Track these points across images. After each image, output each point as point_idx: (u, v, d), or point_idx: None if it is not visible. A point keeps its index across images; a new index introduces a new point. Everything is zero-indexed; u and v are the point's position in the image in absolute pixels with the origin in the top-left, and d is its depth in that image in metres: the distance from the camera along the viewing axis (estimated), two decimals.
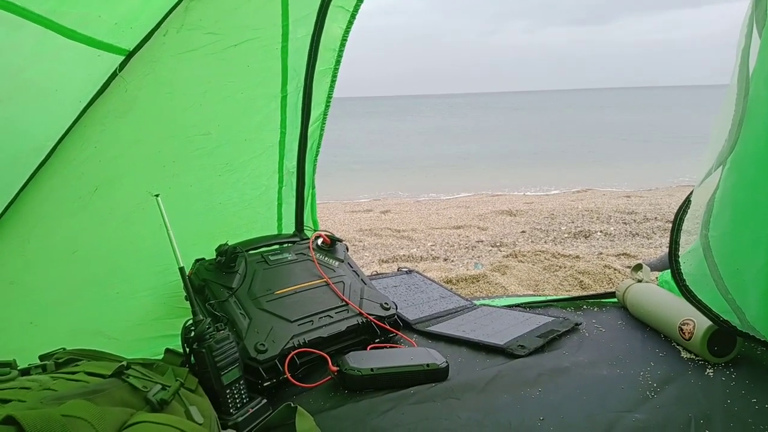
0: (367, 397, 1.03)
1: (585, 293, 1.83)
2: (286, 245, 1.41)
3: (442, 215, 4.60)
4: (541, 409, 0.98)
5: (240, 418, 0.96)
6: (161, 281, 1.19)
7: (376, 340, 1.29)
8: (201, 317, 0.99)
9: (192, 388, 0.94)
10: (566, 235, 3.55)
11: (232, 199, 1.31)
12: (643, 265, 1.56)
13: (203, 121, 1.15)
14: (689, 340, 1.20)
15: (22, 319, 0.97)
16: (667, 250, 1.28)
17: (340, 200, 6.15)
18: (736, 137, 1.00)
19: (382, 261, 3.05)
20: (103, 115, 0.98)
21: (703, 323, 1.18)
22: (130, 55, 1.01)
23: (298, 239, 1.45)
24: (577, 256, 2.63)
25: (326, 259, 1.41)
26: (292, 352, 1.13)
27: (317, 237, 1.44)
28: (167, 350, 1.01)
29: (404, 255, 3.10)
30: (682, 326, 1.23)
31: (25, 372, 0.72)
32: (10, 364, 0.72)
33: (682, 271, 1.25)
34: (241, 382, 1.01)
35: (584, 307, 1.59)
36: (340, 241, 1.47)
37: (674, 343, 1.27)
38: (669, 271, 1.45)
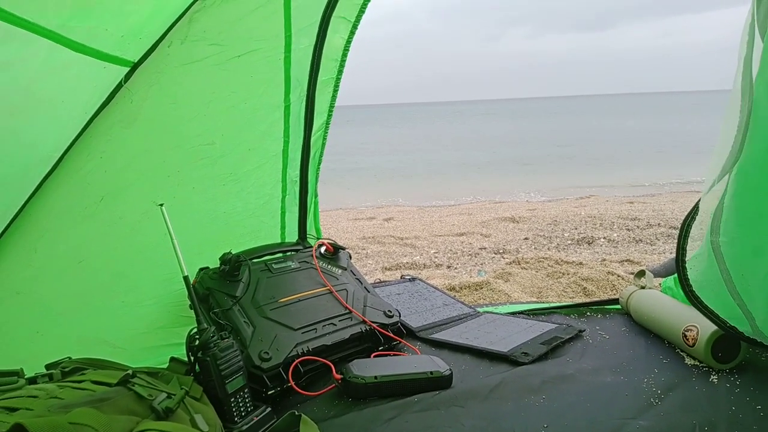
0: (371, 405, 1.04)
1: (588, 300, 1.83)
2: (289, 253, 1.41)
3: (444, 222, 4.60)
4: (545, 417, 0.98)
5: (244, 427, 0.97)
6: (166, 290, 1.20)
7: (380, 348, 1.30)
8: (205, 326, 1.00)
9: (197, 397, 0.95)
10: (569, 242, 3.55)
11: (236, 209, 1.32)
12: (647, 271, 1.56)
13: (207, 131, 1.16)
14: (693, 346, 1.20)
15: (29, 328, 0.98)
16: (670, 256, 1.29)
17: (343, 208, 6.16)
18: (741, 144, 1.01)
19: (386, 269, 3.05)
20: (109, 126, 0.99)
21: (706, 329, 1.18)
22: (135, 67, 1.03)
23: (301, 247, 1.45)
24: (581, 263, 2.62)
25: (329, 267, 1.42)
26: (296, 361, 1.13)
27: (320, 245, 1.45)
28: (172, 359, 1.01)
29: (407, 262, 3.10)
30: (686, 332, 1.23)
31: (32, 381, 0.72)
32: (17, 373, 0.73)
33: (689, 277, 1.25)
34: (246, 391, 1.01)
35: (587, 313, 1.59)
36: (343, 249, 1.47)
37: (678, 350, 1.27)
38: (672, 277, 1.45)
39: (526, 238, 3.71)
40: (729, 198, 1.06)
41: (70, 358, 0.93)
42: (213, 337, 0.99)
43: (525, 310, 1.64)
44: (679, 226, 1.26)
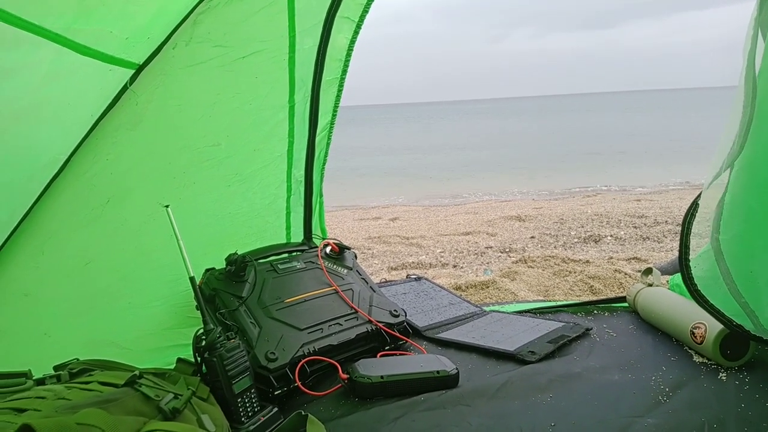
0: (377, 405, 1.04)
1: (595, 298, 1.82)
2: (294, 254, 1.41)
3: (450, 222, 4.59)
4: (552, 415, 0.98)
5: (251, 427, 0.97)
6: (172, 291, 1.20)
7: (386, 348, 1.30)
8: (212, 326, 1.00)
9: (204, 397, 0.95)
10: (576, 240, 3.53)
11: (241, 209, 1.33)
12: (654, 269, 1.55)
13: (212, 132, 1.16)
14: (701, 344, 1.19)
15: (37, 330, 0.98)
16: (677, 253, 1.28)
17: (349, 208, 6.16)
18: (745, 139, 1.00)
19: (392, 268, 3.05)
20: (114, 129, 1.00)
21: (715, 327, 1.17)
22: (140, 69, 1.03)
23: (306, 248, 1.46)
24: (587, 261, 2.61)
25: (335, 267, 1.42)
26: (302, 361, 1.13)
27: (326, 245, 1.45)
28: (179, 360, 1.02)
29: (413, 262, 3.10)
30: (694, 330, 1.22)
31: (40, 382, 0.73)
32: (26, 375, 0.73)
33: (693, 275, 1.24)
34: (252, 391, 1.02)
35: (595, 312, 1.58)
36: (349, 249, 1.47)
37: (686, 347, 1.26)
38: (680, 274, 1.44)
39: (532, 237, 3.70)
40: (732, 195, 1.06)
41: (77, 359, 0.94)
42: (219, 337, 1.00)
43: (532, 309, 1.63)
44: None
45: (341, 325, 1.25)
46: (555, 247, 3.36)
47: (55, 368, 0.92)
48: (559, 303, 1.68)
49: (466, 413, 1.00)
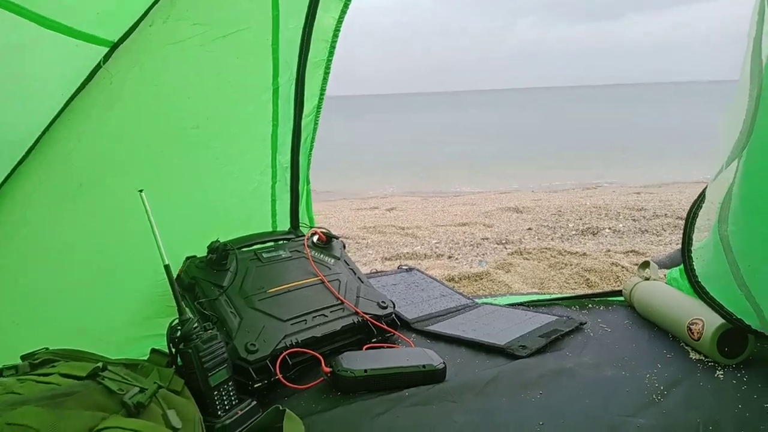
0: (360, 399, 1.00)
1: (591, 291, 1.78)
2: (280, 242, 1.37)
3: (447, 212, 4.54)
4: (541, 413, 0.94)
5: (228, 421, 0.93)
6: (151, 280, 1.16)
7: (373, 340, 1.26)
8: (188, 316, 0.96)
9: (178, 390, 0.91)
10: (573, 232, 3.49)
11: (224, 195, 1.28)
12: (651, 262, 1.51)
13: (192, 114, 1.11)
14: (698, 340, 1.15)
15: (6, 319, 0.94)
16: (676, 247, 1.24)
17: (345, 198, 6.12)
18: (750, 129, 0.95)
19: (386, 258, 3.01)
20: (88, 108, 0.94)
21: (712, 322, 1.13)
22: (114, 47, 0.98)
23: (293, 236, 1.41)
24: (584, 254, 2.57)
25: (322, 256, 1.38)
26: (284, 353, 1.09)
27: (313, 234, 1.41)
28: (153, 350, 0.97)
29: (408, 253, 3.06)
30: (691, 326, 1.18)
31: None
32: None
33: (695, 267, 1.20)
34: (230, 384, 0.98)
35: (590, 305, 1.54)
36: (337, 238, 1.43)
37: (683, 344, 1.22)
38: (678, 268, 1.40)
39: (529, 229, 3.66)
40: (737, 186, 1.01)
41: (46, 348, 0.90)
42: (195, 328, 0.95)
43: (525, 302, 1.59)
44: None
45: (326, 316, 1.21)
46: (552, 239, 3.32)
47: (23, 358, 0.88)
48: (553, 296, 1.64)
49: (452, 410, 0.96)
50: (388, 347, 1.23)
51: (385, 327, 1.26)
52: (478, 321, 1.41)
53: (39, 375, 0.67)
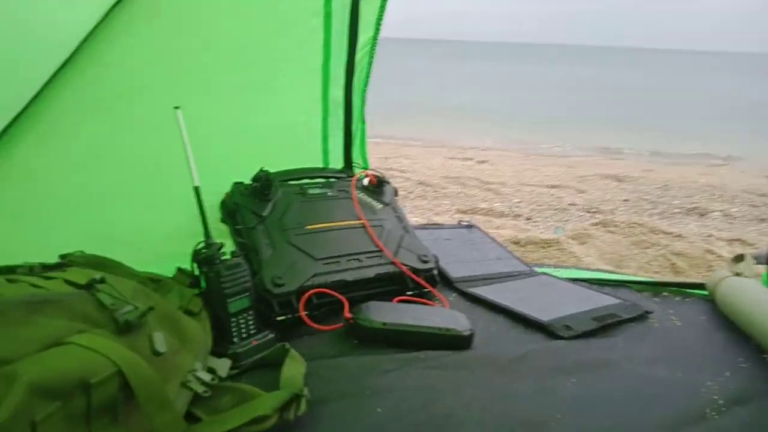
0: (373, 353, 0.95)
1: (673, 280, 1.58)
2: (329, 180, 1.33)
3: (539, 172, 4.28)
4: (562, 404, 0.84)
5: (240, 349, 0.93)
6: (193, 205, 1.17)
7: (408, 293, 1.20)
8: (212, 241, 0.96)
9: (194, 311, 0.92)
10: (677, 210, 3.14)
11: (272, 123, 1.24)
12: (748, 256, 1.29)
13: (237, 35, 1.06)
14: None
15: (42, 220, 0.98)
16: None
17: (444, 145, 5.96)
18: None
19: (461, 211, 2.91)
20: (131, 18, 0.92)
21: None
22: None
23: (343, 176, 1.36)
24: (679, 235, 2.30)
25: (369, 200, 1.32)
26: (310, 292, 1.07)
27: (363, 176, 1.35)
28: (179, 269, 0.99)
29: (484, 208, 2.93)
30: None
31: (10, 270, 0.72)
32: None
33: None
34: (250, 313, 0.97)
35: (665, 294, 1.37)
36: (388, 182, 1.36)
37: (766, 355, 1.04)
38: None
39: (626, 200, 3.34)
40: None
41: (83, 252, 0.94)
42: (221, 252, 0.95)
43: (589, 279, 1.45)
44: None
45: (361, 261, 1.17)
46: (649, 214, 3.02)
47: (61, 257, 0.93)
48: (624, 277, 1.48)
49: (464, 381, 0.89)
50: (420, 302, 1.17)
51: (421, 282, 1.20)
52: (528, 291, 1.30)
53: (42, 278, 0.69)
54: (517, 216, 2.83)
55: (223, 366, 0.87)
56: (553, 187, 3.64)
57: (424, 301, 1.19)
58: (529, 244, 1.90)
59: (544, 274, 1.47)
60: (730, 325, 1.17)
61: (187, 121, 0.91)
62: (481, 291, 1.27)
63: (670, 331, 1.15)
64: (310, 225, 1.19)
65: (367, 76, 1.35)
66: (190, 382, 0.76)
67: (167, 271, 1.09)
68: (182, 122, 0.92)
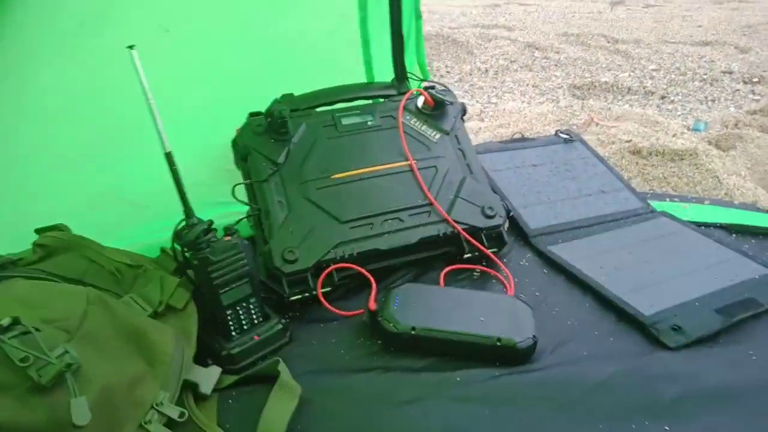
0: (396, 366, 0.74)
1: None
2: (373, 102, 1.02)
3: (690, 21, 3.38)
4: None
5: (235, 350, 0.77)
6: (205, 143, 0.97)
7: (466, 255, 0.94)
8: (196, 220, 0.76)
9: (178, 308, 0.77)
10: None
11: (293, 32, 0.94)
12: None
13: None
14: None
15: (21, 189, 0.83)
16: None
17: None
18: None
19: (574, 86, 2.39)
20: None
21: None
22: None
23: (394, 93, 1.04)
24: None
25: (425, 128, 1.01)
26: (329, 268, 0.86)
27: (416, 94, 1.02)
28: (162, 250, 0.82)
29: (605, 83, 2.37)
30: None
31: None
32: None
33: None
34: (252, 300, 0.80)
35: None
36: (451, 102, 1.02)
37: None
38: None
39: None
40: None
41: (61, 228, 0.80)
42: (207, 234, 0.75)
43: (727, 224, 1.06)
44: None
45: (402, 221, 0.91)
46: None
47: (37, 232, 0.80)
48: None
49: (509, 425, 0.66)
50: (482, 270, 0.91)
51: (482, 248, 0.92)
52: (632, 251, 0.97)
53: None
54: (648, 93, 2.26)
55: (208, 378, 0.72)
56: (704, 44, 2.85)
57: (482, 268, 0.93)
58: (653, 154, 1.44)
59: (664, 214, 1.10)
60: None
61: (185, 40, 0.67)
62: (566, 251, 0.97)
63: None
64: (339, 173, 0.93)
65: None
66: (149, 424, 0.62)
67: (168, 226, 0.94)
68: (139, 66, 0.67)
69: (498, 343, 0.73)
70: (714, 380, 0.71)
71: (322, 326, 0.84)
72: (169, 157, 0.73)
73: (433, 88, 1.04)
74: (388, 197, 0.92)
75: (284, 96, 0.98)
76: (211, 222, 0.77)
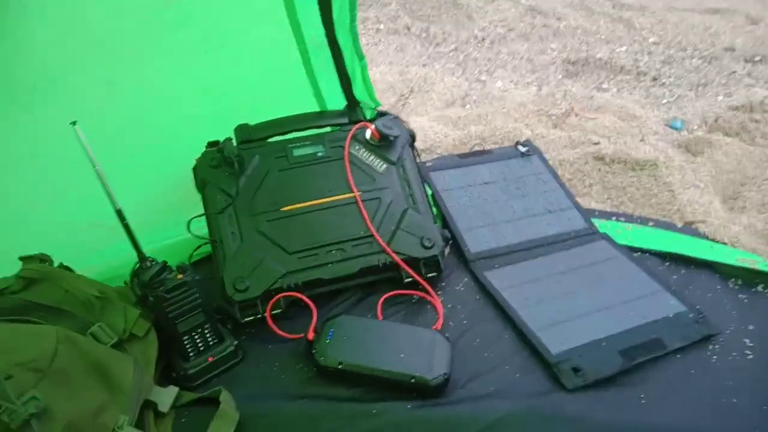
0: (325, 395, 0.85)
1: None
2: (324, 132, 1.08)
3: None
4: None
5: (192, 370, 0.90)
6: (177, 162, 1.03)
7: (406, 281, 1.02)
8: (150, 262, 0.85)
9: (139, 335, 0.88)
10: None
11: (244, 73, 0.98)
12: None
13: None
14: None
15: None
16: None
17: None
18: None
19: (568, 61, 2.35)
20: None
21: None
22: None
23: (346, 122, 1.09)
24: None
25: (372, 158, 1.07)
26: (276, 296, 0.96)
27: (362, 128, 1.07)
28: (126, 283, 0.92)
29: (600, 59, 2.32)
30: None
31: None
32: None
33: None
34: (206, 326, 0.91)
35: (761, 288, 1.03)
36: (397, 136, 1.07)
37: None
38: None
39: None
40: None
41: (41, 261, 0.90)
42: (160, 275, 0.85)
43: (660, 252, 1.12)
44: None
45: (345, 251, 1.00)
46: None
47: (21, 259, 0.90)
48: (716, 252, 1.12)
49: None
50: (416, 298, 1.01)
51: (418, 278, 1.00)
52: (565, 279, 1.05)
53: None
54: (640, 74, 2.21)
55: (167, 397, 0.85)
56: (714, 12, 2.73)
57: (423, 295, 1.02)
58: (616, 161, 1.46)
59: (605, 236, 1.16)
60: None
61: (145, 86, 0.74)
62: (498, 278, 1.05)
63: (736, 368, 0.88)
64: (288, 206, 1.01)
65: (352, 10, 0.95)
66: None
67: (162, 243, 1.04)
68: (84, 139, 0.74)
69: (412, 381, 0.84)
70: (597, 424, 0.80)
71: (271, 348, 0.95)
72: (119, 213, 0.81)
73: (384, 114, 1.09)
74: (333, 229, 1.00)
75: (239, 127, 1.05)
76: (165, 263, 0.87)
